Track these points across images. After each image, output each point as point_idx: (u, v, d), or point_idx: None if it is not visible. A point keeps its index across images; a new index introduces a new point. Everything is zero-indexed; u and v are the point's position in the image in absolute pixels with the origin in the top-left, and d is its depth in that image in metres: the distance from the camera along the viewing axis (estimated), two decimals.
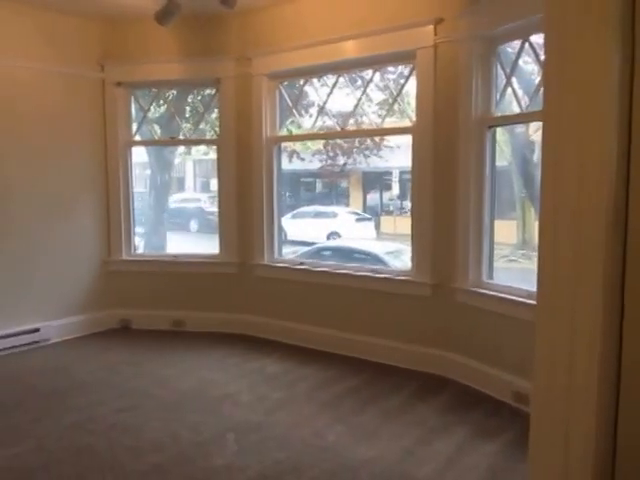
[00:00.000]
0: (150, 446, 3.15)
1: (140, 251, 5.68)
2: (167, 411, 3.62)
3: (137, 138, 5.59)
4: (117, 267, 5.49)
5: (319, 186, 9.75)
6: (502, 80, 3.95)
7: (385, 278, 4.54)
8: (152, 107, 5.70)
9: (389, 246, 6.77)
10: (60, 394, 3.90)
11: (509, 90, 3.92)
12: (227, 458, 3.03)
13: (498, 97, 3.98)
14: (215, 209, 10.08)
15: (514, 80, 3.91)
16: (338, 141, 6.58)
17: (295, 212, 7.27)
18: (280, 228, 5.25)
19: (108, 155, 5.39)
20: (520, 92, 3.93)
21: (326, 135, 5.35)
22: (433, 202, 4.22)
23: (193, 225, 9.98)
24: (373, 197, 9.94)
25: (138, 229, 5.83)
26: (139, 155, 5.76)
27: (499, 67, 3.96)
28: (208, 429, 3.37)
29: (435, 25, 4.08)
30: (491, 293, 3.90)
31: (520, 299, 3.64)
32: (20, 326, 4.82)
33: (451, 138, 4.07)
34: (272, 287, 5.14)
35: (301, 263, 5.04)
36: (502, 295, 3.81)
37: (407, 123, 4.47)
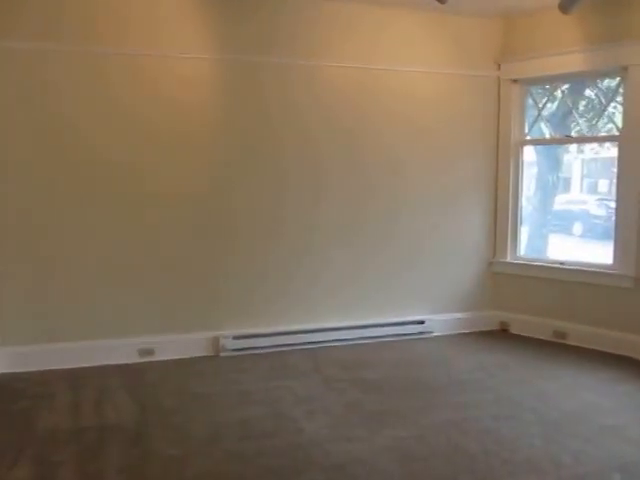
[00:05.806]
0: (527, 465, 2.98)
1: (521, 253, 5.51)
2: (546, 430, 3.39)
3: (528, 137, 5.44)
4: (501, 269, 5.45)
5: None
6: None
7: None
8: (545, 104, 5.44)
9: None
10: (441, 388, 4.05)
11: None
12: None
13: None
14: (602, 213, 9.17)
15: None
16: None
17: None
18: None
19: (499, 154, 5.39)
20: None
21: None
22: None
23: (576, 229, 9.25)
24: None
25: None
26: (526, 153, 5.58)
27: None
28: (590, 461, 3.03)
29: None
30: None
31: None
32: (408, 316, 5.24)
33: None
34: None
35: None
36: None
37: None
